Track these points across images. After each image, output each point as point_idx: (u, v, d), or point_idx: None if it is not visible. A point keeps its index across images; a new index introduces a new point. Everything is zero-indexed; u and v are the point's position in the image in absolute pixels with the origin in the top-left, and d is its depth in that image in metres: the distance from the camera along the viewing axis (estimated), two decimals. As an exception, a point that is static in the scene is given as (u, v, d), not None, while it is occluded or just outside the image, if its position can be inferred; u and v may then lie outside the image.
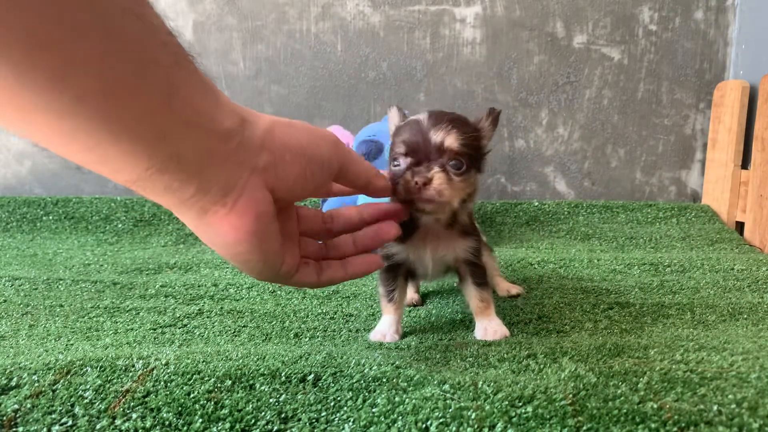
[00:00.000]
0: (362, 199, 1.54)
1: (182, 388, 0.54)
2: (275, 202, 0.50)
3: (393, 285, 0.85)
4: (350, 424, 0.50)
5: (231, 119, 0.46)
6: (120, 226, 1.75)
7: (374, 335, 0.83)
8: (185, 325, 0.91)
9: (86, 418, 0.49)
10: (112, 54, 0.36)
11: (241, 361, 0.60)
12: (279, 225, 0.52)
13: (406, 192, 0.70)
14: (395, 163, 0.75)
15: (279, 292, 1.11)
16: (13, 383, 0.54)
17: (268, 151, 0.48)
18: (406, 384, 0.55)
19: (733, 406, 0.49)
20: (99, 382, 0.54)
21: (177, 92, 0.41)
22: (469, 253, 0.83)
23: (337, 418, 0.50)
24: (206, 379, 0.55)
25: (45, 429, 0.48)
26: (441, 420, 0.48)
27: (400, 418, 0.49)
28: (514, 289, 1.06)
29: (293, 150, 0.50)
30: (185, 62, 0.42)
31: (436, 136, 0.72)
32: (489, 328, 0.82)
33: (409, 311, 0.98)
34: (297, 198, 0.55)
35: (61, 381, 0.54)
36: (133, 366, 0.57)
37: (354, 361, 0.61)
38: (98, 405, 0.51)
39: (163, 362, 0.58)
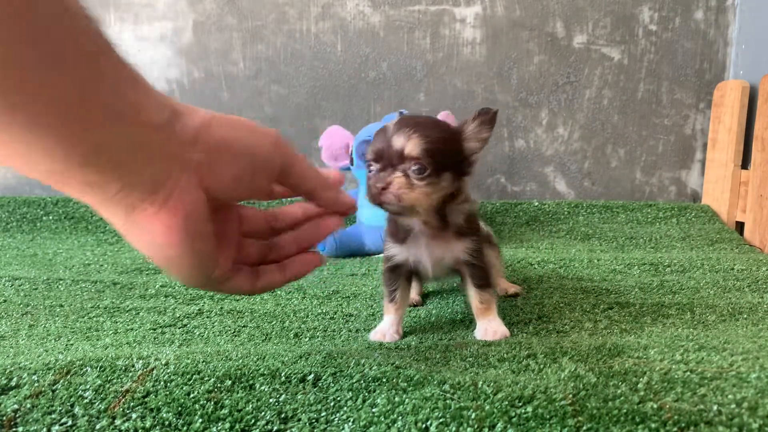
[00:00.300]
0: (362, 196, 1.54)
1: (182, 388, 0.54)
2: (211, 201, 0.47)
3: (394, 285, 0.85)
4: (350, 424, 0.50)
5: (161, 111, 0.43)
6: (120, 226, 1.75)
7: (374, 335, 0.83)
8: (185, 325, 0.91)
9: (86, 418, 0.49)
10: (24, 37, 0.33)
11: (241, 361, 0.60)
12: (215, 226, 0.49)
13: (371, 197, 0.72)
14: (369, 169, 0.76)
15: (279, 292, 1.11)
16: (13, 383, 0.54)
17: (203, 148, 0.45)
18: (406, 384, 0.55)
19: (733, 406, 0.49)
20: (99, 382, 0.54)
21: (100, 81, 0.38)
22: (467, 255, 0.82)
23: (337, 418, 0.50)
24: (206, 379, 0.55)
25: (45, 429, 0.48)
26: (441, 420, 0.48)
27: (400, 418, 0.49)
28: (512, 289, 1.06)
29: (231, 148, 0.47)
30: (108, 50, 0.39)
31: (397, 142, 0.73)
32: (489, 328, 0.82)
33: (409, 311, 0.98)
34: (234, 199, 0.53)
35: (61, 381, 0.54)
36: (133, 366, 0.57)
37: (354, 361, 0.61)
38: (98, 405, 0.51)
39: (163, 362, 0.58)
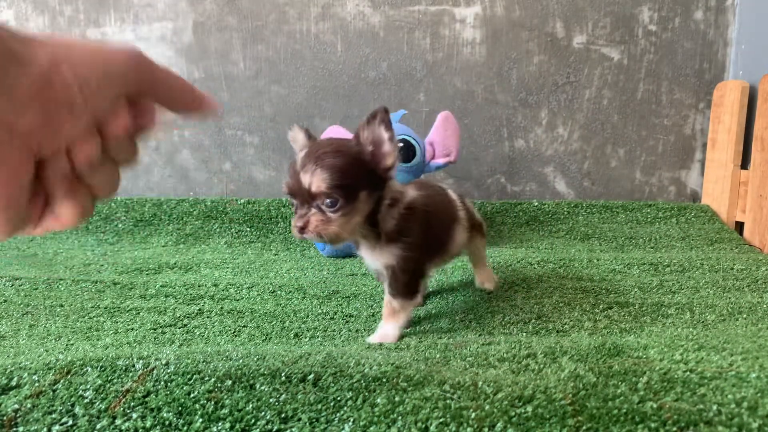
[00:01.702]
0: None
1: (182, 387, 0.54)
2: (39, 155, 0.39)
3: (378, 282, 0.92)
4: (350, 423, 0.50)
5: None
6: (120, 226, 1.75)
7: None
8: (185, 325, 0.91)
9: (86, 417, 0.49)
10: None
11: (241, 361, 0.60)
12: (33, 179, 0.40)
13: (295, 234, 0.76)
14: (292, 204, 0.79)
15: (279, 293, 1.11)
16: (13, 383, 0.54)
17: (42, 105, 0.37)
18: (406, 384, 0.55)
19: (733, 405, 0.49)
20: (99, 381, 0.54)
21: None
22: (393, 259, 0.83)
23: (337, 418, 0.50)
24: (206, 378, 0.55)
25: (45, 429, 0.48)
26: (441, 420, 0.48)
27: (400, 418, 0.49)
28: (488, 284, 1.09)
29: (74, 101, 0.38)
30: None
31: (305, 180, 0.74)
32: (381, 331, 0.85)
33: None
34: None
35: (62, 381, 0.54)
36: (134, 366, 0.57)
37: (354, 361, 0.61)
38: (98, 405, 0.51)
39: (164, 362, 0.58)
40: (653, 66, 1.87)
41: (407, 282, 0.84)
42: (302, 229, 0.74)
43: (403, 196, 0.84)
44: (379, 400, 0.52)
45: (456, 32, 1.87)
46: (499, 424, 0.47)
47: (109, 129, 0.42)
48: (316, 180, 0.73)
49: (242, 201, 1.81)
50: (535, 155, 1.93)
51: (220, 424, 0.50)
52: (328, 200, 0.74)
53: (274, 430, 0.49)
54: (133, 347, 0.78)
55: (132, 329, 0.88)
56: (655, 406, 0.49)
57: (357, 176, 0.76)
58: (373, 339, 0.84)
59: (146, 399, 0.52)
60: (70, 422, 0.49)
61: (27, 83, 0.36)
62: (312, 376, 0.57)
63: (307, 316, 0.95)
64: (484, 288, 1.08)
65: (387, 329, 0.84)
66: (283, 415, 0.51)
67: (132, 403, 0.51)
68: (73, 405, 0.51)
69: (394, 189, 0.82)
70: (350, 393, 0.54)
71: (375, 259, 0.85)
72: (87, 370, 0.56)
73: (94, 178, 0.44)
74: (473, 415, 0.48)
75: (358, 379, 0.56)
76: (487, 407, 0.49)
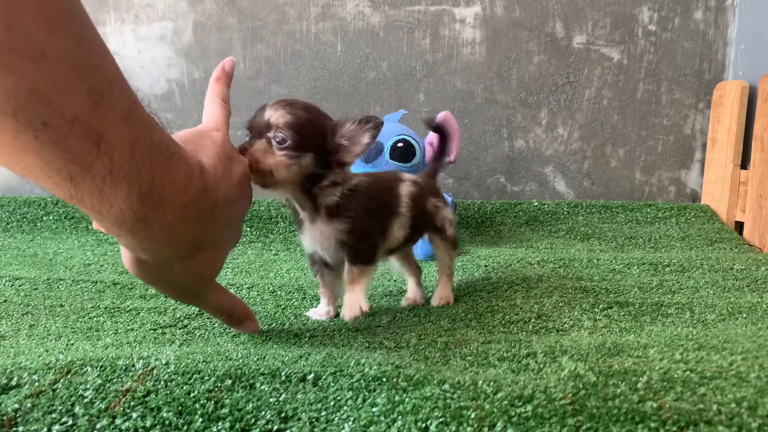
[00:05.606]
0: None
1: (182, 387, 0.54)
2: None
3: (314, 271, 0.93)
4: (350, 423, 0.50)
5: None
6: (120, 226, 1.75)
7: (313, 314, 0.95)
8: (185, 326, 0.91)
9: (86, 417, 0.49)
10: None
11: (241, 360, 0.60)
12: None
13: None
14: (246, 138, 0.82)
15: (279, 293, 1.11)
16: (13, 383, 0.54)
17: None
18: (406, 383, 0.55)
19: (733, 405, 0.49)
20: (99, 381, 0.54)
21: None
22: (342, 235, 0.85)
23: (337, 418, 0.50)
24: (206, 378, 0.55)
25: (45, 428, 0.48)
26: (441, 419, 0.48)
27: (400, 417, 0.49)
28: (442, 301, 1.01)
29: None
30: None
31: (267, 114, 0.79)
32: (348, 301, 0.86)
33: (410, 309, 0.98)
34: None
35: (62, 380, 0.54)
36: (134, 365, 0.57)
37: (354, 360, 0.61)
38: (98, 404, 0.51)
39: (164, 362, 0.58)
40: (653, 66, 1.88)
41: (363, 250, 0.87)
42: (243, 151, 0.77)
43: (349, 179, 0.86)
44: (379, 400, 0.52)
45: (456, 32, 1.87)
46: (499, 424, 0.47)
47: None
48: (276, 114, 0.78)
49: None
50: (535, 155, 1.93)
51: (220, 423, 0.50)
52: (280, 135, 0.78)
53: (274, 429, 0.49)
54: (133, 347, 0.78)
55: (132, 329, 0.88)
56: (655, 405, 0.49)
57: (313, 140, 0.79)
58: (346, 315, 0.84)
59: (146, 399, 0.52)
60: (70, 422, 0.49)
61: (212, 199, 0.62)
62: (312, 375, 0.57)
63: (307, 317, 0.95)
64: (436, 305, 1.01)
65: (354, 296, 0.86)
66: (283, 415, 0.51)
67: (132, 403, 0.51)
68: (73, 405, 0.51)
69: (346, 175, 0.85)
70: (350, 392, 0.54)
71: (318, 235, 0.86)
72: (87, 370, 0.56)
73: None
74: (473, 414, 0.48)
75: (358, 378, 0.56)
76: (486, 407, 0.49)
